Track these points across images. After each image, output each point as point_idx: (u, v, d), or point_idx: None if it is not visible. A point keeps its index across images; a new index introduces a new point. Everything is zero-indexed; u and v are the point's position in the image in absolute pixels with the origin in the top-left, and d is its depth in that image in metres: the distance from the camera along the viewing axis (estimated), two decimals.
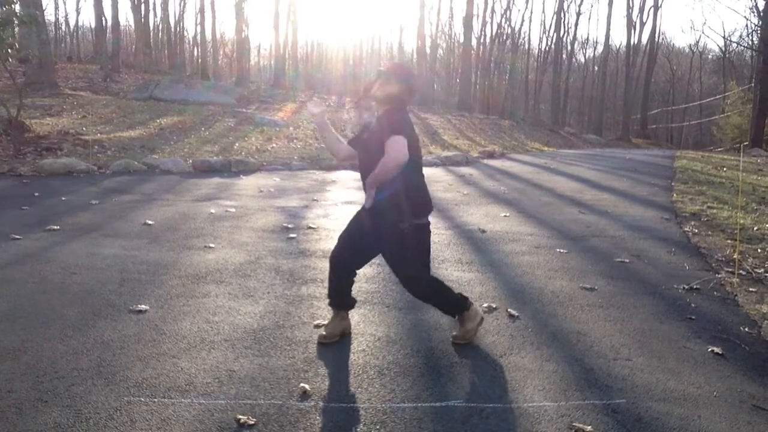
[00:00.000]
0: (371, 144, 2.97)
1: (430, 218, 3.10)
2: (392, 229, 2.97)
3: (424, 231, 3.05)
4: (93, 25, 36.19)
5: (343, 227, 3.21)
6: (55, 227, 5.48)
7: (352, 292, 3.25)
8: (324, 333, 3.14)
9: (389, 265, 3.17)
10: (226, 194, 7.85)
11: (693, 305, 3.90)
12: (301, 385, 2.62)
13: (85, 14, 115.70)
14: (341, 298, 3.21)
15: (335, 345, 3.09)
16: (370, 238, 3.07)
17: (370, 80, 3.12)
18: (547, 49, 46.81)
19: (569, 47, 49.80)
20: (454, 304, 3.18)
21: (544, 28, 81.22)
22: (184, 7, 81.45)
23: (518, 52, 45.60)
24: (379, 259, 4.76)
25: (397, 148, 2.79)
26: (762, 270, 4.73)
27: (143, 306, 3.52)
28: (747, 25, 62.08)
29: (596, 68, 52.48)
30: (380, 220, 3.00)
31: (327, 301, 3.24)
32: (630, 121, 40.80)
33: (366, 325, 3.39)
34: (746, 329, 3.51)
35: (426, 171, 3.23)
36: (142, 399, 2.47)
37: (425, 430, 2.34)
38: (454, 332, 3.20)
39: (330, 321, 3.22)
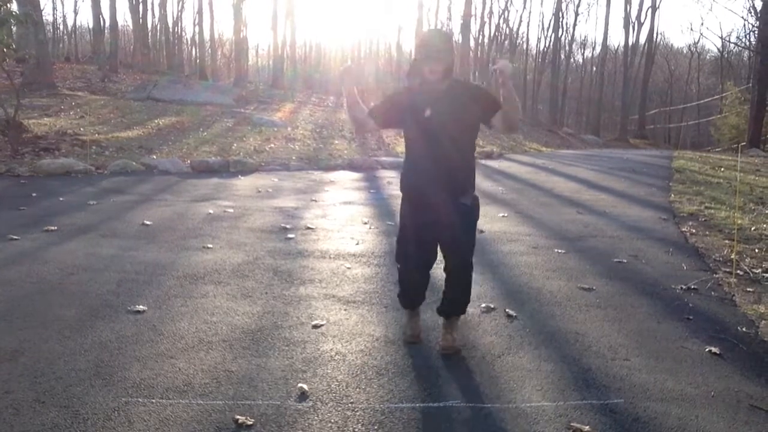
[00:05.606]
0: (460, 113, 3.00)
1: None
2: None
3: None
4: (91, 26, 36.01)
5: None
6: (53, 228, 5.47)
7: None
8: (411, 333, 3.18)
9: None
10: (224, 194, 7.84)
11: (691, 305, 3.91)
12: (300, 385, 2.62)
13: (83, 14, 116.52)
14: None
15: (334, 345, 3.09)
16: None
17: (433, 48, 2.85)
18: (545, 49, 46.95)
19: (567, 48, 50.01)
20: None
21: (542, 28, 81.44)
22: (182, 7, 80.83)
23: (516, 52, 45.66)
24: (376, 260, 4.81)
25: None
26: (759, 270, 4.74)
27: (141, 306, 3.52)
28: (745, 26, 62.26)
29: (594, 69, 52.55)
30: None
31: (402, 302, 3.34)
32: (628, 122, 40.84)
33: (364, 325, 3.39)
34: (744, 329, 3.51)
35: None
36: (140, 400, 2.47)
37: (423, 430, 2.34)
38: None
39: (411, 322, 3.25)
